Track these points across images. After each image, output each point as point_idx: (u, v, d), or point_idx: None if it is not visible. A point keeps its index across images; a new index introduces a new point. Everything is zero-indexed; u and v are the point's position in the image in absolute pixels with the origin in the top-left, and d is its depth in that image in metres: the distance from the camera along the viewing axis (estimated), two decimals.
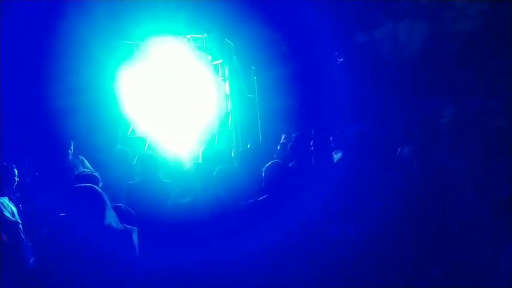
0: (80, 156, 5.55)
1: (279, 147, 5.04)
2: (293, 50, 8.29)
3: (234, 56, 6.21)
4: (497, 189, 3.06)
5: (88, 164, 5.53)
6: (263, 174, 2.83)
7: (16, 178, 3.82)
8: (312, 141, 4.75)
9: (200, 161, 4.02)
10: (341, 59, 11.99)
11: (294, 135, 4.90)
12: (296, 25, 8.11)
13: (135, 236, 2.33)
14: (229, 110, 5.91)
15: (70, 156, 5.44)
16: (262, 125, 6.48)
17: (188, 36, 5.94)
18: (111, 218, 2.26)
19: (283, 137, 5.78)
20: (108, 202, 2.27)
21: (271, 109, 6.77)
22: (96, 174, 3.25)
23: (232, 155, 4.96)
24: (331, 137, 4.38)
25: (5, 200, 3.55)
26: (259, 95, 6.71)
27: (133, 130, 6.02)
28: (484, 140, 3.60)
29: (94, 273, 2.15)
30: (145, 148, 5.87)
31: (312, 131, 6.40)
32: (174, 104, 5.86)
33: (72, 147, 5.48)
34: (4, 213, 3.39)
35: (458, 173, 3.07)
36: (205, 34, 6.02)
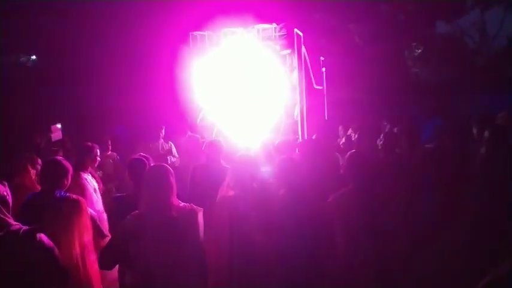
0: (169, 142, 6.37)
1: (344, 139, 4.88)
2: (365, 41, 7.89)
3: (303, 46, 6.10)
4: None
5: (174, 150, 6.30)
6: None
7: (98, 158, 4.19)
8: (382, 134, 4.54)
9: (262, 150, 4.06)
10: (419, 50, 11.20)
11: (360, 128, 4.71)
12: (369, 15, 7.72)
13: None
14: (296, 101, 5.84)
15: (161, 140, 6.30)
16: (329, 117, 6.31)
17: (257, 26, 5.96)
18: None
19: (348, 131, 5.54)
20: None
21: (339, 101, 6.56)
22: None
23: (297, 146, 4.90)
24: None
25: (88, 177, 3.93)
26: (327, 86, 6.53)
27: (202, 118, 6.25)
28: None
29: None
30: (213, 135, 6.07)
31: (385, 123, 6.10)
32: (242, 94, 5.94)
33: (163, 131, 6.34)
34: (87, 188, 3.77)
35: None
36: (274, 24, 5.99)
